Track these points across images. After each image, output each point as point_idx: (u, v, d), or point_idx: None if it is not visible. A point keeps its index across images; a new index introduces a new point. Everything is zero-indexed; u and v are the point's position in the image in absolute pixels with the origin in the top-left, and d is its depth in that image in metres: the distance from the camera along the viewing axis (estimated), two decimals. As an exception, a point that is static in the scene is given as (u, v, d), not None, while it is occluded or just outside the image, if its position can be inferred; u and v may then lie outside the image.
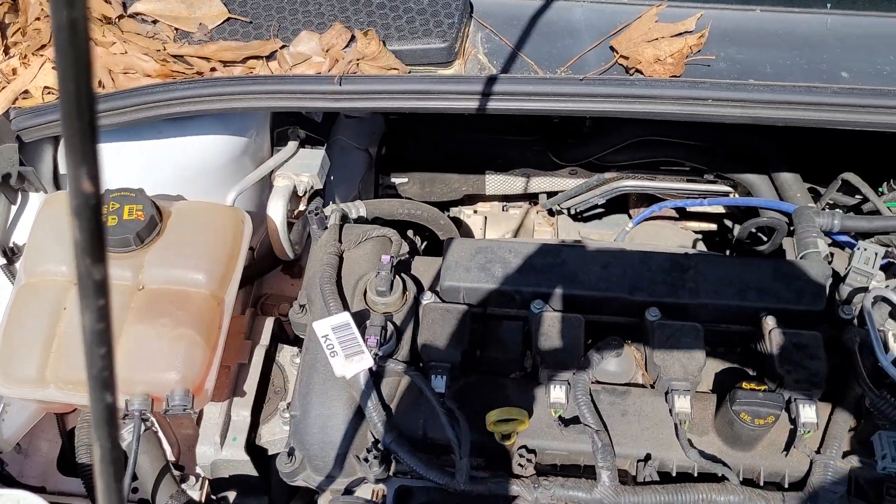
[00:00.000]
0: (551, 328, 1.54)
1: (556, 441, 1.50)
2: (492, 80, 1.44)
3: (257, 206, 2.01)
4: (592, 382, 1.60)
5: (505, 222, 2.76)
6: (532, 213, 2.79)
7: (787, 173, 2.09)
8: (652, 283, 1.59)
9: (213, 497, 1.79)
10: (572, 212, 2.67)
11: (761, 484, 1.50)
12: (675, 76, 1.46)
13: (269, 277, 2.15)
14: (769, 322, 1.54)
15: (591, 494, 1.42)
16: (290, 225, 2.04)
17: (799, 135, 2.06)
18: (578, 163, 2.32)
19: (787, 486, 1.50)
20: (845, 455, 1.47)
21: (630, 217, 2.48)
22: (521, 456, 1.47)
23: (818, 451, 1.47)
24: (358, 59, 1.45)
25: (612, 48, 1.53)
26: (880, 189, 2.07)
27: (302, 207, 2.03)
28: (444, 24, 1.51)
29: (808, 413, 1.44)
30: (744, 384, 1.46)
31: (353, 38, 1.50)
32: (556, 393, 1.48)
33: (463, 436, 1.44)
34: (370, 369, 1.49)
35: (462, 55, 1.54)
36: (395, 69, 1.49)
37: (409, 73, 1.52)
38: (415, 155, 2.49)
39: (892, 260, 1.71)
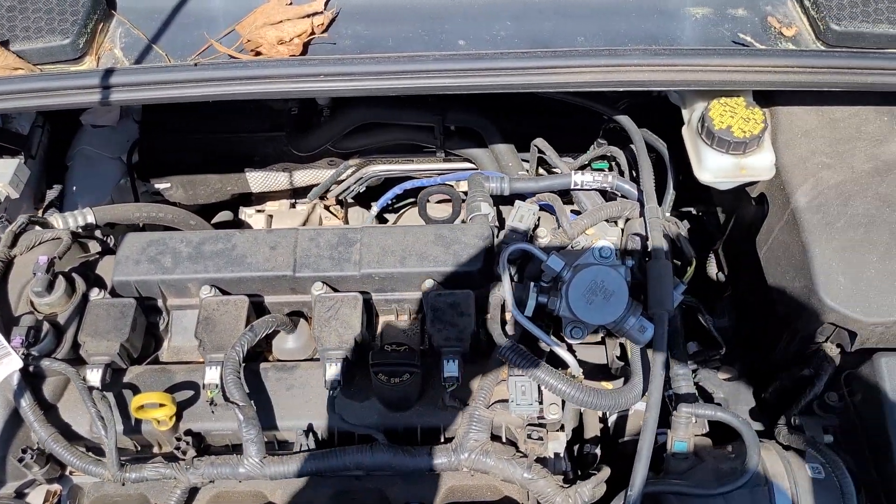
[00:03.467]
0: (213, 312, 1.57)
1: (215, 422, 1.53)
2: (108, 73, 1.46)
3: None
4: (270, 360, 1.64)
5: (290, 219, 2.76)
6: (319, 207, 2.81)
7: (501, 145, 2.17)
8: (318, 258, 1.63)
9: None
10: (343, 200, 2.72)
11: (419, 440, 1.55)
12: (295, 56, 1.51)
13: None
14: (426, 284, 1.60)
15: (238, 469, 1.45)
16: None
17: (503, 108, 2.16)
18: (314, 151, 2.35)
19: (443, 439, 1.56)
20: (492, 405, 1.54)
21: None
22: (177, 440, 1.49)
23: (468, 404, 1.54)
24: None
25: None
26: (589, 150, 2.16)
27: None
28: (69, 21, 1.52)
29: (451, 368, 1.50)
30: (385, 346, 1.51)
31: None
32: (211, 374, 1.51)
33: (109, 426, 1.45)
34: (23, 370, 1.48)
35: (95, 51, 1.55)
36: (19, 69, 1.49)
37: (41, 72, 1.52)
38: (174, 159, 2.48)
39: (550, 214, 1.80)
